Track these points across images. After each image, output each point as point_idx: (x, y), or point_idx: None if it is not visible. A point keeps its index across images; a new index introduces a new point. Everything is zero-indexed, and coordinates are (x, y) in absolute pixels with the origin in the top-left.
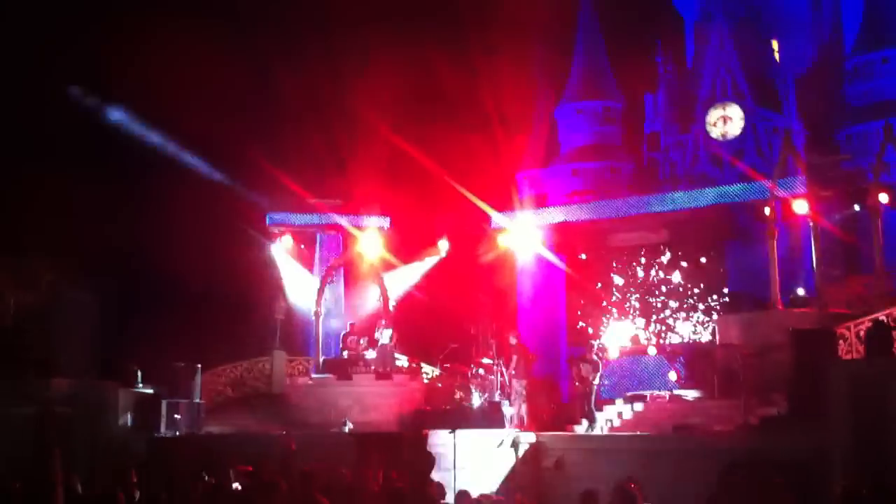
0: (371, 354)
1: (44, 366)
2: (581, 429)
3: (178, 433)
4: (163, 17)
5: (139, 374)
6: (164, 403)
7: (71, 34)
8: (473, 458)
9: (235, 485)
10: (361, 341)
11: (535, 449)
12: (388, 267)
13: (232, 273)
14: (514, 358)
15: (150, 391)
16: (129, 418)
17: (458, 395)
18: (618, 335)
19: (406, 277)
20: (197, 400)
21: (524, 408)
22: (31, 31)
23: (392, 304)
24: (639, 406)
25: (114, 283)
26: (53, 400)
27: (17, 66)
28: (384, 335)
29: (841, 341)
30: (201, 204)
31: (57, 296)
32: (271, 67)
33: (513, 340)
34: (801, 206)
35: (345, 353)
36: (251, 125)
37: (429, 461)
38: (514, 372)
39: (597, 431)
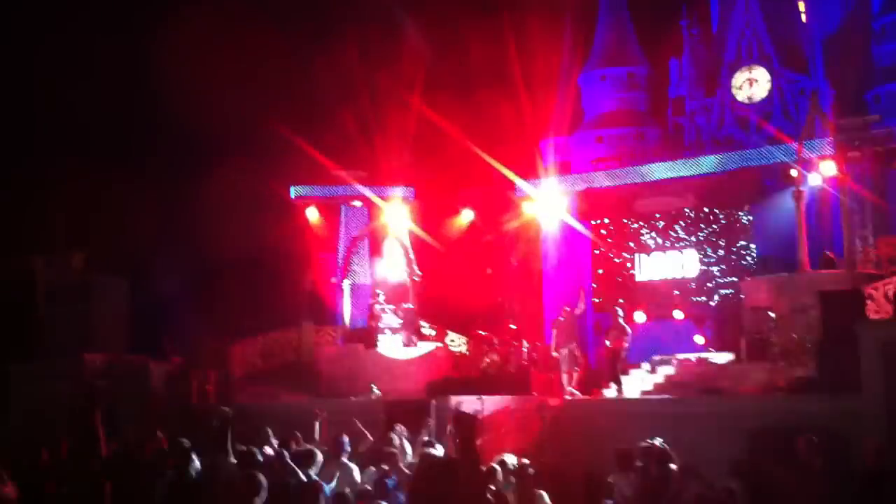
0: (396, 323)
1: (77, 343)
2: (609, 393)
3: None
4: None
5: (170, 346)
6: (195, 375)
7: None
8: (500, 423)
9: (268, 450)
10: (387, 309)
11: (562, 413)
12: (414, 237)
13: (260, 245)
14: (555, 331)
15: (181, 363)
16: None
17: (486, 361)
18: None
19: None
20: (228, 372)
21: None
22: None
23: (417, 272)
24: (667, 369)
25: (144, 259)
26: (88, 375)
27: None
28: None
29: (869, 301)
30: (228, 177)
31: (88, 278)
32: (296, 39)
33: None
34: (828, 168)
35: (372, 323)
36: (277, 97)
37: (469, 425)
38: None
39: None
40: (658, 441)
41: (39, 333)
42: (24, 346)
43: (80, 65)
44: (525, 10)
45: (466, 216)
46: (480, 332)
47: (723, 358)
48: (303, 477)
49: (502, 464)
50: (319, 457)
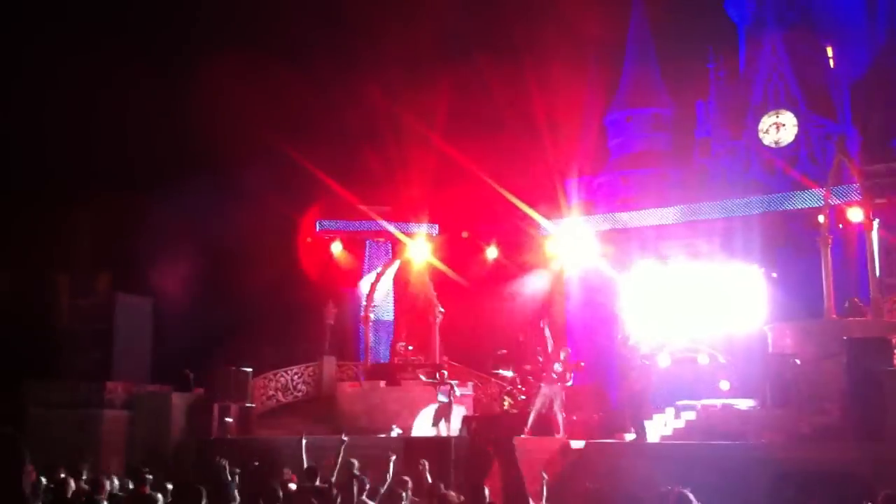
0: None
1: (98, 370)
2: (631, 436)
3: (229, 437)
4: (228, 41)
5: (192, 378)
6: (216, 408)
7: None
8: (523, 462)
9: (291, 485)
10: (410, 347)
11: (584, 456)
12: (437, 273)
13: (283, 279)
14: (558, 364)
15: (203, 395)
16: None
17: (506, 402)
18: (669, 342)
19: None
20: (248, 404)
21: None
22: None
23: (440, 308)
24: (690, 415)
25: (168, 290)
26: (108, 403)
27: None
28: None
29: None
30: (253, 211)
31: (112, 301)
32: (323, 77)
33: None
34: (855, 214)
35: (395, 360)
36: (303, 133)
37: (483, 466)
38: (555, 376)
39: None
40: (678, 489)
41: (60, 353)
42: (42, 364)
43: (115, 91)
44: (551, 50)
45: (491, 253)
46: (500, 371)
47: (747, 403)
48: None
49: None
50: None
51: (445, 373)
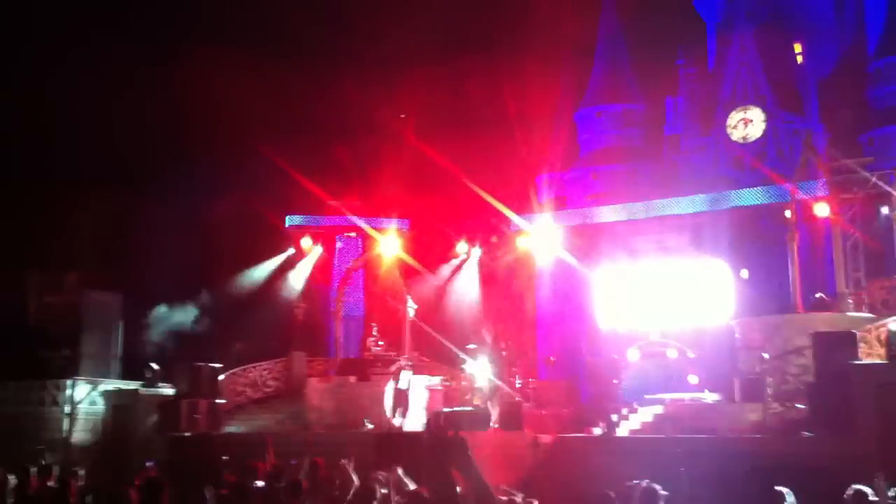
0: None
1: (66, 366)
2: (599, 431)
3: (197, 433)
4: (198, 36)
5: (157, 370)
6: (184, 403)
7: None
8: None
9: (258, 483)
10: (380, 343)
11: (554, 450)
12: (408, 269)
13: (252, 274)
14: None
15: (171, 391)
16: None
17: (468, 396)
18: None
19: (430, 282)
20: (218, 400)
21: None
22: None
23: (412, 304)
24: (658, 409)
25: (135, 286)
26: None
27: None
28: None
29: (862, 344)
30: (222, 206)
31: (80, 298)
32: (294, 72)
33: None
34: (822, 209)
35: (365, 355)
36: (273, 129)
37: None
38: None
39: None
40: (645, 482)
41: (30, 351)
42: (13, 365)
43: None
44: (522, 47)
45: (462, 248)
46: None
47: (715, 398)
48: None
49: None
50: None
51: (402, 360)
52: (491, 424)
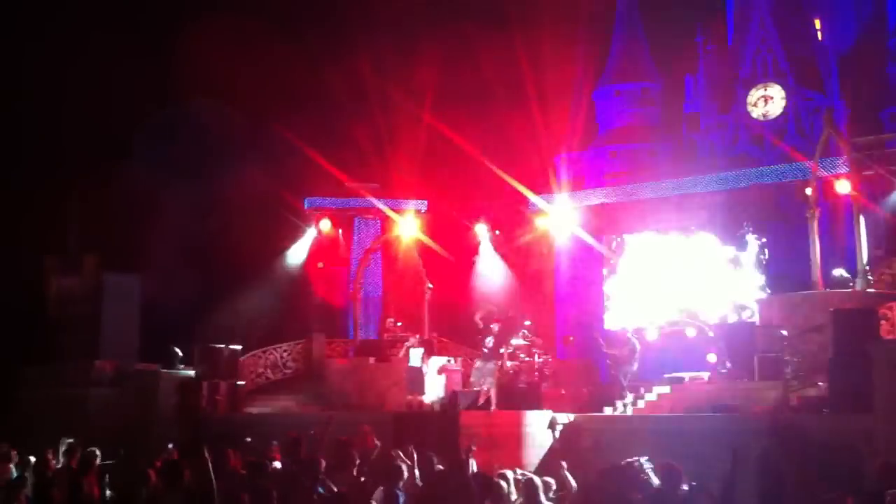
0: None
1: (87, 349)
2: (617, 409)
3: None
4: (213, 9)
5: (180, 356)
6: (205, 385)
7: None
8: (512, 438)
9: (276, 463)
10: (399, 324)
11: (572, 429)
12: (426, 250)
13: (272, 256)
14: (490, 339)
15: (192, 373)
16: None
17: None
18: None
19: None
20: (238, 382)
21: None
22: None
23: (428, 284)
24: (678, 387)
25: (156, 264)
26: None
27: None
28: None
29: (883, 321)
30: (243, 186)
31: (99, 280)
32: (312, 53)
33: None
34: (843, 186)
35: (384, 336)
36: (292, 109)
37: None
38: (486, 351)
39: (628, 411)
40: (642, 459)
41: (49, 335)
42: (34, 349)
43: (97, 68)
44: (539, 26)
45: (480, 229)
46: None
47: (733, 377)
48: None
49: (503, 476)
50: None
51: (412, 339)
52: (490, 407)
